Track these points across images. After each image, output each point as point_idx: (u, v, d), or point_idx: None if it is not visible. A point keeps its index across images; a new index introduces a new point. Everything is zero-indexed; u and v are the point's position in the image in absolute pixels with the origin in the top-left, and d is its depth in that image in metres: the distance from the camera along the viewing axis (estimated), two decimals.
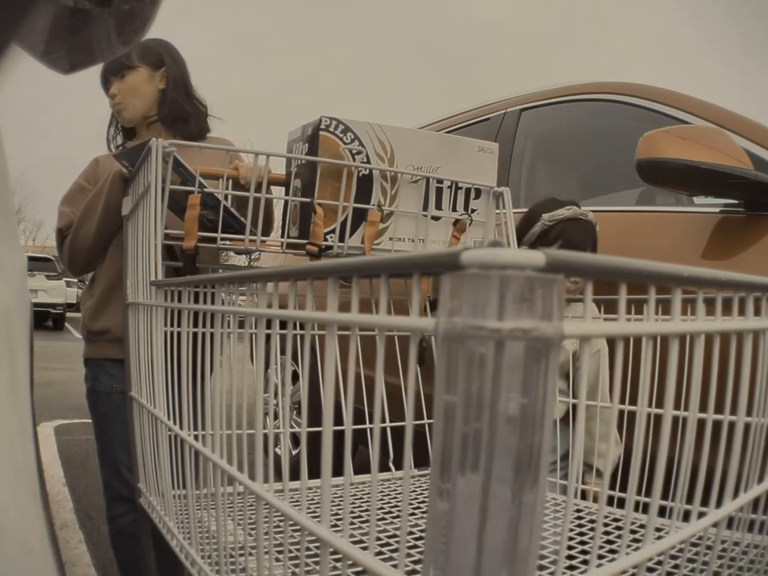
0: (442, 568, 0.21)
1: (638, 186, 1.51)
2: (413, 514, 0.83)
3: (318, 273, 0.30)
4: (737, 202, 1.13)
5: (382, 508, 0.83)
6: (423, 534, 0.74)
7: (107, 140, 1.25)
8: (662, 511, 0.73)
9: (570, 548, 0.65)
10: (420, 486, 0.97)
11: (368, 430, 0.92)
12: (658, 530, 0.56)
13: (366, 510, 0.83)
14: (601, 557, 0.45)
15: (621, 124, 1.53)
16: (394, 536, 0.72)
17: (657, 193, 1.48)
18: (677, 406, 0.61)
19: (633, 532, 0.65)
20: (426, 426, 1.00)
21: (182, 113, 1.19)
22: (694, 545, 0.46)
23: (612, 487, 0.83)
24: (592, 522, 0.77)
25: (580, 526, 0.75)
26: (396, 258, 0.24)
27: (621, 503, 0.82)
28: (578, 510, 0.81)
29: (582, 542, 0.69)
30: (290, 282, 0.33)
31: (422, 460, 0.94)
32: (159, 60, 1.19)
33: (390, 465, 0.99)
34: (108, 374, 1.14)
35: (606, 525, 0.73)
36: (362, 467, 0.75)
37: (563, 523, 0.23)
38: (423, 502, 0.89)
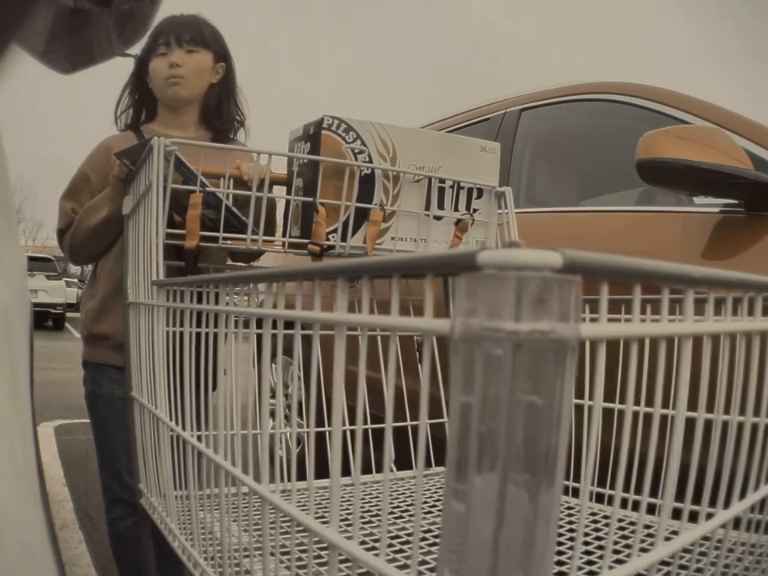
0: (457, 570, 0.21)
1: (637, 186, 1.51)
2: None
3: (328, 273, 0.30)
4: (737, 201, 1.13)
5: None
6: (425, 535, 0.73)
7: (116, 111, 1.14)
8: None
9: (584, 551, 0.65)
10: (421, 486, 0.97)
11: (369, 430, 0.92)
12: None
13: (369, 512, 0.82)
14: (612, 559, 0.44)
15: (621, 124, 1.53)
16: (397, 536, 0.72)
17: (657, 193, 1.48)
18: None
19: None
20: (428, 426, 1.00)
21: (222, 113, 1.14)
22: (700, 545, 0.45)
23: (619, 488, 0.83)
24: (600, 523, 0.77)
25: (590, 525, 0.75)
26: (409, 259, 0.23)
27: (622, 503, 0.82)
28: (593, 514, 0.81)
29: (586, 543, 0.68)
30: (296, 282, 0.33)
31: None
32: (224, 53, 1.12)
33: (392, 466, 0.99)
34: (109, 379, 1.12)
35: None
36: (361, 467, 0.74)
37: (578, 526, 0.23)
38: (425, 502, 0.89)
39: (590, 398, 0.91)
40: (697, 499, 0.37)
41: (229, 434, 0.49)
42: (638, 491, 0.33)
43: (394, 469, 0.99)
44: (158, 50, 1.07)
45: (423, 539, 0.72)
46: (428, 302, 0.23)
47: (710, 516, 0.35)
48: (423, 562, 0.63)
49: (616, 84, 1.53)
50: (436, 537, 0.71)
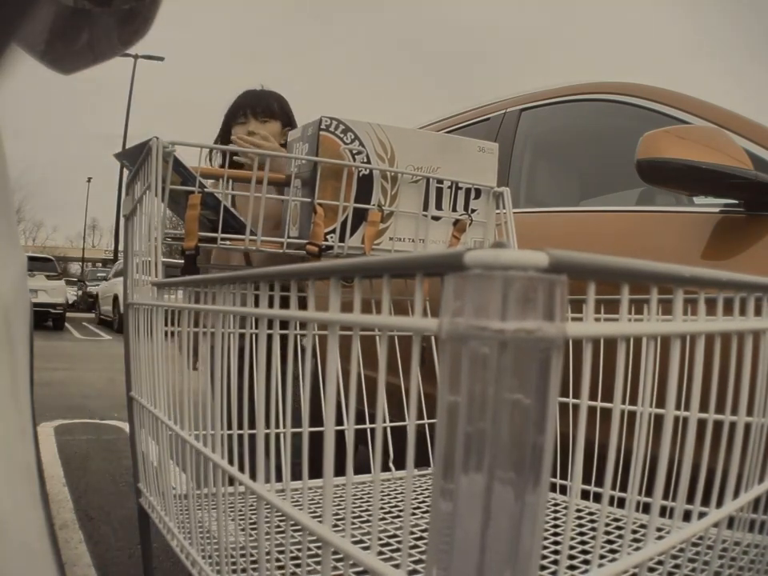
0: (445, 568, 0.21)
1: (637, 186, 1.51)
2: (413, 513, 0.83)
3: (321, 273, 0.30)
4: (737, 201, 1.13)
5: (382, 508, 0.83)
6: (423, 534, 0.74)
7: (209, 158, 1.38)
8: (662, 511, 0.73)
9: (571, 548, 0.65)
10: (420, 486, 0.97)
11: (368, 430, 0.92)
12: (658, 529, 0.56)
13: (366, 510, 0.83)
14: (601, 557, 0.45)
15: (621, 124, 1.53)
16: (395, 536, 0.72)
17: (657, 193, 1.48)
18: (677, 406, 0.61)
19: (633, 532, 0.65)
20: (426, 425, 1.00)
21: None
22: (695, 545, 0.46)
23: (612, 487, 0.83)
24: (592, 521, 0.77)
25: (580, 525, 0.75)
26: (399, 259, 0.24)
27: (620, 503, 0.82)
28: (578, 510, 0.81)
29: (583, 542, 0.69)
30: (291, 282, 0.33)
31: (421, 460, 0.94)
32: (289, 120, 1.40)
33: (390, 465, 0.99)
34: None
35: (605, 525, 0.73)
36: (361, 467, 0.75)
37: (566, 523, 0.23)
38: (423, 501, 0.89)
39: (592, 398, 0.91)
40: (691, 499, 0.37)
41: (225, 433, 0.49)
42: (626, 489, 0.33)
43: (393, 468, 0.99)
44: (239, 119, 1.34)
45: (420, 538, 0.72)
46: (417, 302, 0.24)
47: (702, 515, 0.35)
48: (420, 561, 0.64)
49: (616, 84, 1.53)
50: None
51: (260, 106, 1.35)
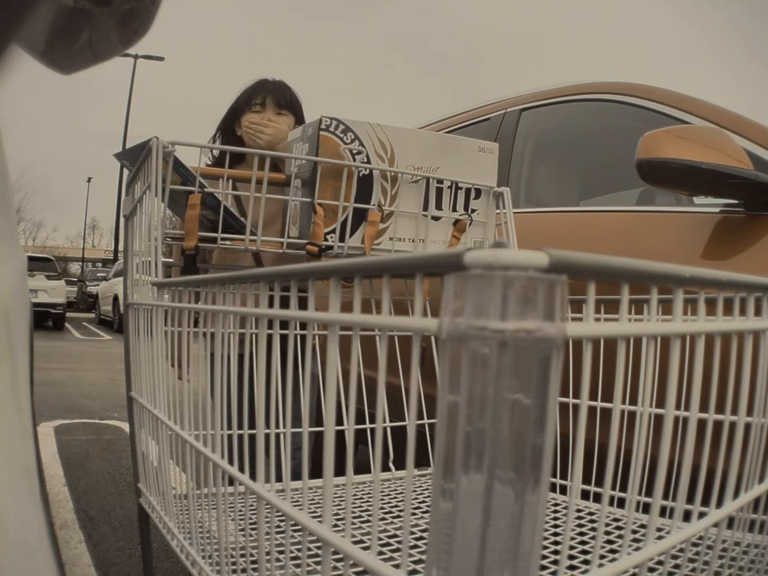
0: (445, 568, 0.21)
1: (637, 186, 1.51)
2: (413, 513, 0.83)
3: (321, 273, 0.30)
4: (737, 202, 1.13)
5: (382, 508, 0.83)
6: (423, 534, 0.74)
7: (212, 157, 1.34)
8: (662, 511, 0.73)
9: (571, 548, 0.65)
10: (420, 486, 0.97)
11: (368, 430, 0.92)
12: (658, 529, 0.56)
13: (366, 510, 0.83)
14: (601, 557, 0.45)
15: (621, 124, 1.53)
16: (395, 536, 0.72)
17: (657, 193, 1.48)
18: (677, 406, 0.61)
19: (633, 532, 0.65)
20: (426, 425, 1.00)
21: None
22: (695, 545, 0.46)
23: (612, 487, 0.83)
24: (592, 521, 0.77)
25: (580, 525, 0.75)
26: (399, 259, 0.24)
27: (620, 503, 0.82)
28: (578, 510, 0.81)
29: (583, 542, 0.69)
30: (291, 282, 0.33)
31: (421, 460, 0.94)
32: (301, 118, 1.35)
33: (390, 465, 0.99)
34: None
35: (605, 525, 0.73)
36: (360, 466, 0.75)
37: (566, 523, 0.24)
38: (423, 502, 0.89)
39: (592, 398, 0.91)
40: (691, 499, 0.37)
41: (226, 433, 0.49)
42: (626, 489, 0.33)
43: (393, 468, 0.99)
44: (254, 106, 1.30)
45: (419, 538, 0.72)
46: (417, 302, 0.24)
47: (702, 515, 0.35)
48: (420, 561, 0.64)
49: (616, 84, 1.53)
50: None
51: (280, 96, 1.30)
